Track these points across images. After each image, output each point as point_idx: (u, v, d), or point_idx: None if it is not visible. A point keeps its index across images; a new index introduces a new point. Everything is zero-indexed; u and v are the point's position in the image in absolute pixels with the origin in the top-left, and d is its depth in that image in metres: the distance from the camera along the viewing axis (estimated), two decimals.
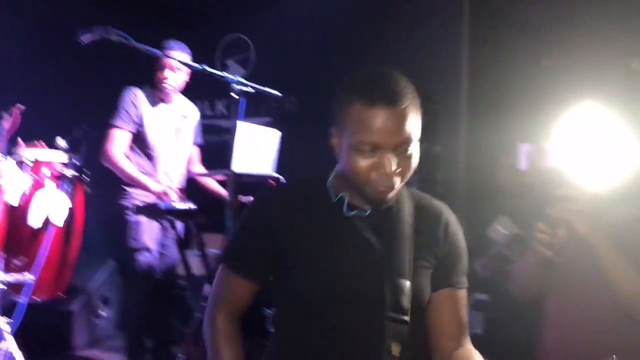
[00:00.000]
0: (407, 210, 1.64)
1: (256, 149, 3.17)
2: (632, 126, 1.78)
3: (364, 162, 1.47)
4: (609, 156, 1.81)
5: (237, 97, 2.76)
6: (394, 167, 1.47)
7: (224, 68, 5.48)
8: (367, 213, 1.61)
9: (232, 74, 2.79)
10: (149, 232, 3.56)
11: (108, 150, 3.54)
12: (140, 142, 3.64)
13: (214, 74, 2.77)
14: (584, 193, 1.75)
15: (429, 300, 1.63)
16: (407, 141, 1.46)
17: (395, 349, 1.52)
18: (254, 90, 2.84)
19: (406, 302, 1.54)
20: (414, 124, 1.47)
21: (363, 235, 1.60)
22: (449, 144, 4.30)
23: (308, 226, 1.60)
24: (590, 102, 1.35)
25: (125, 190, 3.57)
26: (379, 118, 1.43)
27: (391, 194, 1.52)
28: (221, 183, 3.78)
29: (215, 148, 3.60)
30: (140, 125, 3.61)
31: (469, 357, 1.61)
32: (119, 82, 3.67)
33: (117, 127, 3.56)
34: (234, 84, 2.75)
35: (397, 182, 1.50)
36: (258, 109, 4.69)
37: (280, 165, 3.40)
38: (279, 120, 3.80)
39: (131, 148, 3.63)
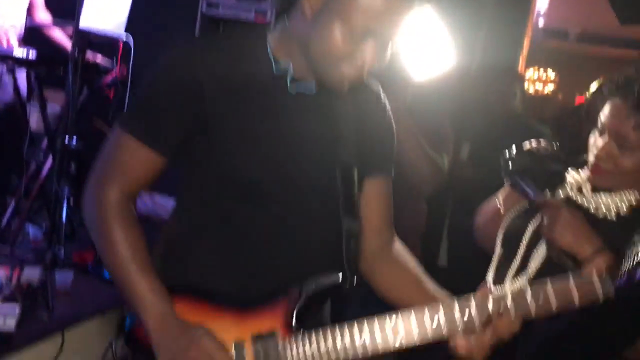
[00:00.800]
0: (351, 92, 1.37)
1: (107, 3, 3.03)
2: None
3: (344, 42, 1.23)
4: (431, 53, 1.98)
5: None
6: (375, 61, 1.27)
7: None
8: (313, 91, 1.35)
9: None
10: None
11: None
12: None
13: None
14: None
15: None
16: (395, 35, 1.26)
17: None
18: None
19: (357, 195, 1.40)
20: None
21: (308, 116, 1.35)
22: None
23: (246, 95, 1.31)
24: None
25: None
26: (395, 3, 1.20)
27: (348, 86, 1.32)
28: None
29: None
30: None
31: (405, 255, 1.52)
32: None
33: None
34: None
35: (365, 77, 1.30)
36: None
37: (132, 25, 3.28)
38: None
39: None
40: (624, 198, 1.67)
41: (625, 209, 1.65)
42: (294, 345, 1.29)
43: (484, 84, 3.22)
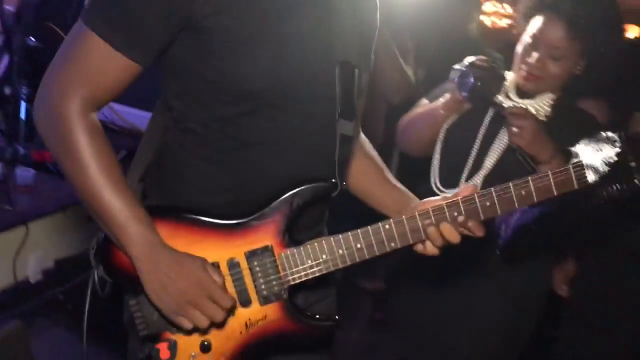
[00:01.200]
0: None
1: None
2: None
3: None
4: None
5: None
6: None
7: None
8: None
9: None
10: None
11: None
12: None
13: None
14: None
15: None
16: None
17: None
18: None
19: (357, 96, 1.36)
20: None
21: (307, 14, 1.25)
22: None
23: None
24: None
25: None
26: None
27: None
28: None
29: None
30: None
31: (371, 149, 1.58)
32: None
33: None
34: None
35: None
36: None
37: None
38: None
39: None
40: (544, 100, 1.92)
41: (548, 110, 1.88)
42: (290, 258, 1.28)
43: (443, 7, 3.31)
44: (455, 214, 1.29)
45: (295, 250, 1.28)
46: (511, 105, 1.90)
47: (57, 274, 2.81)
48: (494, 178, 1.91)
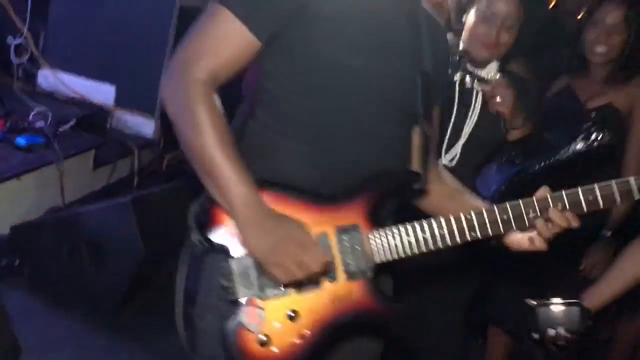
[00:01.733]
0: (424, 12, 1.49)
1: None
2: None
3: None
4: None
5: None
6: None
7: None
8: None
9: None
10: None
11: None
12: None
13: None
14: None
15: None
16: None
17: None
18: None
19: (432, 106, 1.49)
20: None
21: (399, 20, 1.41)
22: None
23: None
24: None
25: None
26: None
27: None
28: None
29: None
30: None
31: (447, 173, 1.66)
32: None
33: None
34: None
35: None
36: None
37: None
38: None
39: None
40: (492, 67, 2.12)
41: (497, 75, 2.10)
42: (377, 237, 1.35)
43: None
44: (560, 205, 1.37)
45: (381, 231, 1.36)
46: (483, 76, 2.11)
47: (12, 240, 2.87)
48: (470, 146, 2.15)
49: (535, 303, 1.73)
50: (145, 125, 3.74)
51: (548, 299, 1.73)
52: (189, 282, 1.40)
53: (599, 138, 2.09)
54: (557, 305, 1.71)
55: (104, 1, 3.78)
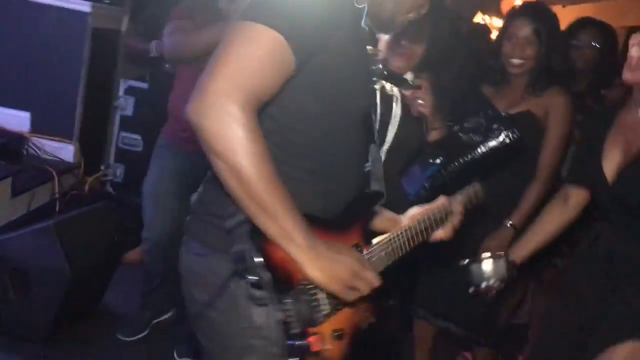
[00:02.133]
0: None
1: None
2: None
3: None
4: None
5: None
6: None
7: None
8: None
9: None
10: None
11: None
12: None
13: None
14: None
15: None
16: None
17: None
18: None
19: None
20: None
21: (364, 50, 1.51)
22: None
23: (344, 25, 1.33)
24: None
25: None
26: None
27: None
28: None
29: None
30: None
31: None
32: None
33: None
34: None
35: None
36: None
37: None
38: None
39: None
40: (408, 77, 2.27)
41: (414, 82, 2.25)
42: (373, 254, 1.49)
43: None
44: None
45: (373, 247, 1.50)
46: (409, 81, 2.25)
47: None
48: (394, 150, 2.26)
49: (467, 261, 2.01)
50: (64, 150, 3.70)
51: (477, 257, 2.03)
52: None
53: (509, 136, 2.26)
54: (485, 260, 2.01)
55: (12, 26, 3.72)
